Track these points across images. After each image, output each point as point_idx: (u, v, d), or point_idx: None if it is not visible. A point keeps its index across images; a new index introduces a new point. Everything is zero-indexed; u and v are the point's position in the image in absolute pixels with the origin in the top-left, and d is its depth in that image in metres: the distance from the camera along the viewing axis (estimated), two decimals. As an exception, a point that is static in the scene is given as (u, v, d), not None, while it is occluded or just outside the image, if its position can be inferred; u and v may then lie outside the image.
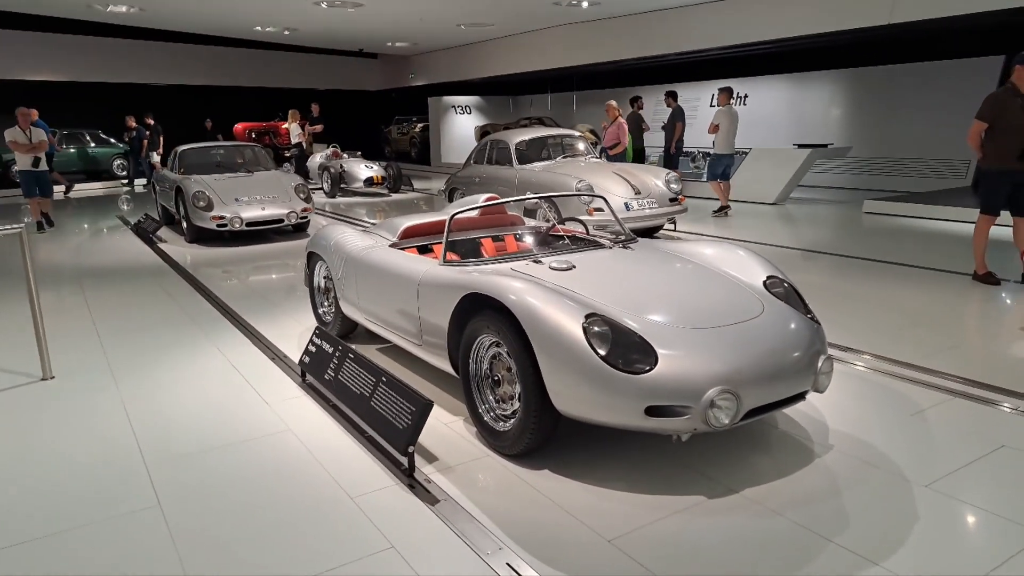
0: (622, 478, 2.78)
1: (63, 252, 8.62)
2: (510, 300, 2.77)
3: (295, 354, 4.46)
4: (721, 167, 10.11)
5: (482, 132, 20.12)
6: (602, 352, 2.53)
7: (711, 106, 15.82)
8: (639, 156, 11.65)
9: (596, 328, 2.59)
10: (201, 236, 8.88)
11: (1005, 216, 5.72)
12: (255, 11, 14.39)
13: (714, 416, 2.45)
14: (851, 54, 13.14)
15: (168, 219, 10.35)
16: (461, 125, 21.56)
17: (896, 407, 3.40)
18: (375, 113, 25.72)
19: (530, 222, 4.88)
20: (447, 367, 3.34)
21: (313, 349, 3.89)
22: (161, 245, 8.96)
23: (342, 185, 13.95)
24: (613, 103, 10.65)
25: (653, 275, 3.25)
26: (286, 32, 16.98)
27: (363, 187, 13.79)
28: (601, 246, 3.66)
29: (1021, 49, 5.85)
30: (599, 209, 7.39)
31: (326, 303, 4.88)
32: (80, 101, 19.54)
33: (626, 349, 2.55)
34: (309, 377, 3.90)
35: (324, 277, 4.87)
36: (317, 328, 3.96)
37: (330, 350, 3.72)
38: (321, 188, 14.24)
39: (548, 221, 6.50)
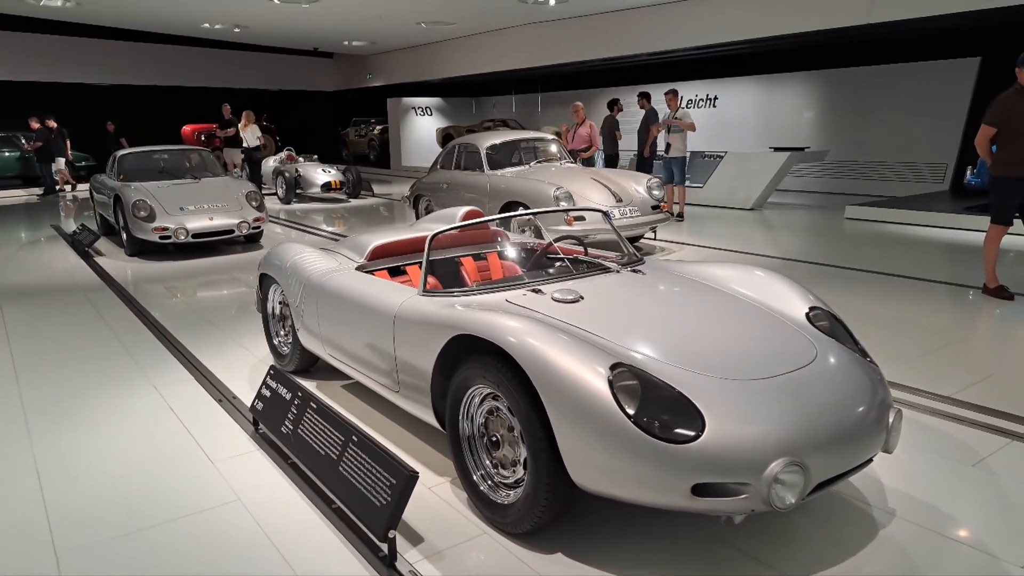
0: (653, 563, 2.28)
1: (-16, 268, 7.74)
2: (510, 344, 2.24)
3: (245, 394, 3.83)
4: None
5: (444, 135, 19.54)
6: (630, 411, 2.02)
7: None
8: (611, 163, 11.24)
9: (625, 382, 2.08)
10: (143, 249, 8.09)
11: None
12: (203, 7, 13.54)
13: (778, 495, 1.96)
14: (824, 55, 12.99)
15: (107, 230, 9.50)
16: (422, 127, 20.91)
17: (952, 456, 2.96)
18: (331, 115, 24.87)
19: (515, 237, 4.36)
20: (430, 419, 2.79)
21: (267, 393, 3.28)
22: (98, 259, 8.14)
23: (298, 191, 13.20)
24: (580, 104, 10.22)
25: (678, 308, 2.75)
26: (236, 29, 16.11)
27: (320, 192, 13.06)
28: (607, 270, 3.14)
29: (996, 50, 5.57)
30: (580, 219, 6.91)
31: (282, 332, 4.26)
32: (13, 101, 18.17)
33: (663, 409, 2.04)
34: (262, 427, 3.30)
35: (279, 303, 4.25)
36: (271, 368, 3.35)
37: (287, 396, 3.12)
38: (275, 194, 13.46)
39: (525, 232, 6.00)
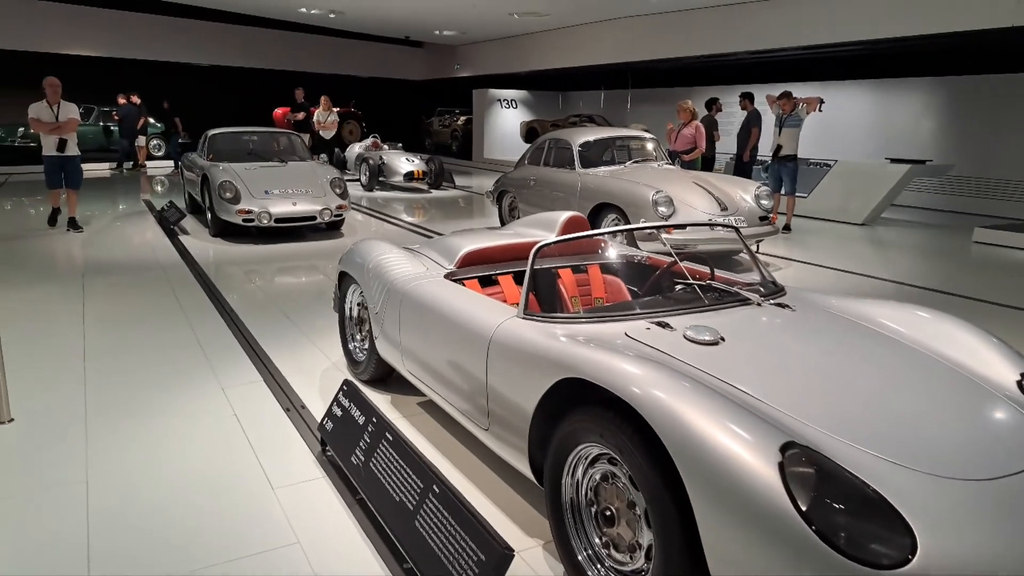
0: None
1: (74, 240, 7.83)
2: (641, 400, 1.76)
3: (315, 405, 3.51)
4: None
5: (528, 128, 19.13)
6: (803, 507, 1.51)
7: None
8: (707, 166, 10.52)
9: (798, 468, 1.57)
10: (226, 230, 8.03)
11: None
12: (300, -11, 13.56)
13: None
14: (950, 59, 11.80)
15: (195, 208, 9.55)
16: (506, 120, 20.55)
17: None
18: (417, 104, 24.86)
19: (618, 247, 3.86)
20: (524, 469, 2.35)
21: (338, 412, 2.92)
22: (182, 237, 8.14)
23: (380, 178, 13.06)
24: (689, 103, 9.52)
25: (850, 362, 2.18)
26: (332, 15, 16.15)
27: (403, 181, 12.88)
28: (745, 301, 2.59)
29: None
30: (679, 228, 6.32)
31: (358, 337, 3.92)
32: (102, 78, 18.77)
33: (853, 513, 1.52)
34: (330, 450, 2.94)
35: (358, 304, 3.90)
36: (345, 383, 2.99)
37: (360, 420, 2.74)
38: (357, 180, 13.37)
39: (624, 242, 5.48)
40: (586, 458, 2.05)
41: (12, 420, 3.29)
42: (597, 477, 2.04)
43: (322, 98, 13.05)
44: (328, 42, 21.51)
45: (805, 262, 7.44)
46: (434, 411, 3.46)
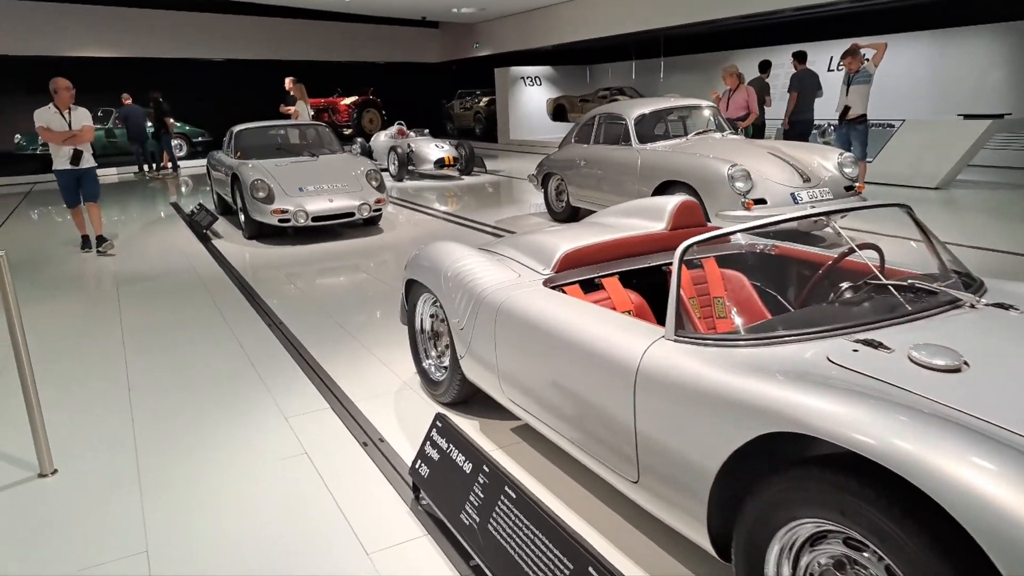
0: None
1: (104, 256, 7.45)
2: (915, 468, 1.24)
3: (395, 435, 3.04)
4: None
5: (556, 106, 18.47)
6: None
7: (829, 70, 13.73)
8: (758, 132, 9.83)
9: None
10: (260, 231, 7.60)
11: None
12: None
13: None
14: (1014, 4, 10.90)
15: (224, 208, 9.15)
16: (531, 98, 19.86)
17: None
18: (435, 87, 24.24)
19: (728, 227, 3.29)
20: (701, 540, 1.84)
21: (433, 454, 2.44)
22: (216, 242, 7.73)
23: (410, 167, 12.56)
24: (734, 67, 8.86)
25: None
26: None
27: (433, 169, 12.36)
28: (954, 302, 2.03)
29: None
30: (761, 201, 5.74)
31: (433, 353, 3.43)
32: (107, 78, 18.25)
33: None
34: (425, 498, 2.46)
35: (431, 316, 3.42)
36: (438, 419, 2.50)
37: (466, 467, 2.26)
38: (386, 170, 12.88)
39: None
40: (801, 537, 1.54)
41: (55, 472, 2.87)
42: (827, 559, 1.52)
43: (287, 80, 11.68)
44: (341, 28, 20.97)
45: (893, 235, 6.77)
46: (535, 438, 2.97)
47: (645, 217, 3.15)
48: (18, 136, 16.12)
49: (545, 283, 2.73)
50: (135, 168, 15.22)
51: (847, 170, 6.18)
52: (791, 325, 1.94)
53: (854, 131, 8.31)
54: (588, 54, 19.71)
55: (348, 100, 21.57)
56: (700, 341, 1.92)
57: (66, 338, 4.67)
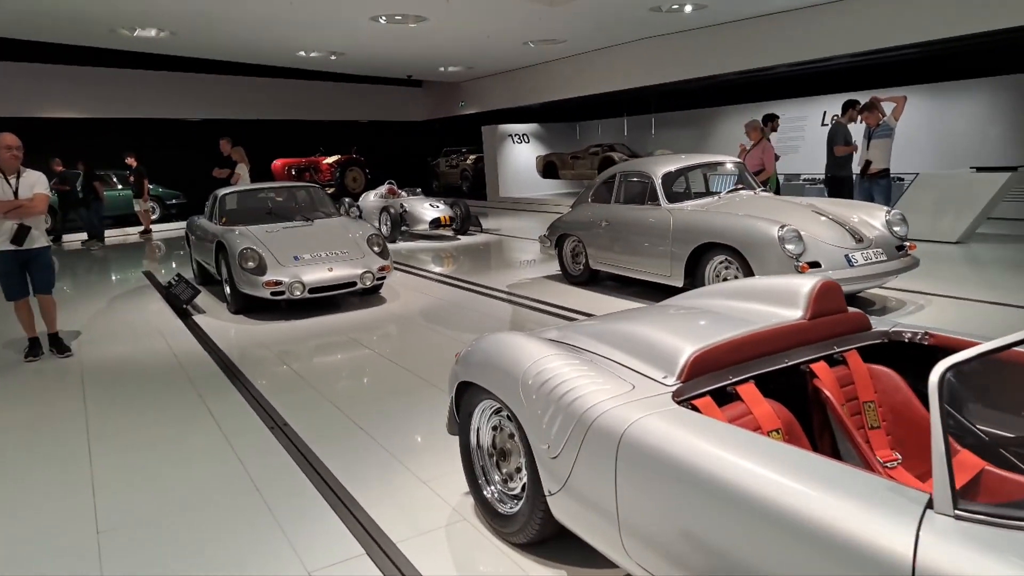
0: None
1: (64, 329, 6.62)
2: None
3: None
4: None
5: (545, 163, 18.20)
6: None
7: (823, 124, 13.62)
8: (774, 190, 9.41)
9: None
10: (248, 305, 6.84)
11: None
12: (303, 33, 12.62)
13: None
14: (1011, 58, 10.86)
15: (205, 278, 8.39)
16: (520, 155, 19.59)
17: None
18: (420, 145, 23.95)
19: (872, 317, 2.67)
20: None
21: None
22: (198, 318, 6.94)
23: (403, 227, 11.96)
24: (758, 122, 8.54)
25: None
26: (332, 57, 15.23)
27: (428, 229, 11.77)
28: None
29: None
30: (815, 265, 5.19)
31: (497, 476, 2.71)
32: (94, 138, 17.54)
33: None
34: None
35: (492, 428, 2.71)
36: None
37: None
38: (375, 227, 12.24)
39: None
40: None
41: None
42: None
43: (222, 142, 10.73)
44: (322, 87, 20.66)
45: (935, 294, 6.26)
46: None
47: (772, 302, 2.51)
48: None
49: (674, 397, 2.06)
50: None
51: (897, 228, 5.71)
52: None
53: (876, 186, 7.97)
54: (576, 111, 19.59)
55: (330, 159, 21.12)
56: (1002, 520, 1.25)
57: (12, 469, 3.83)
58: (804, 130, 13.95)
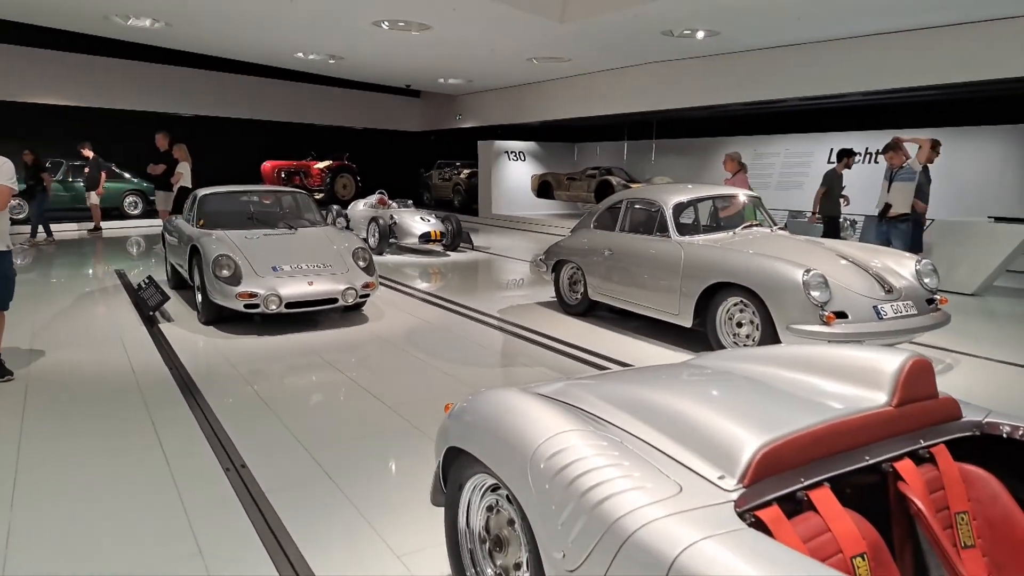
0: None
1: (18, 334, 6.04)
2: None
3: None
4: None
5: (540, 182, 17.82)
6: None
7: (828, 162, 13.34)
8: (835, 229, 9.02)
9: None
10: (221, 316, 6.31)
11: None
12: (303, 33, 12.16)
13: None
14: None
15: (179, 282, 7.84)
16: (515, 173, 19.19)
17: None
18: (413, 156, 23.50)
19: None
20: None
21: None
22: (165, 327, 6.39)
23: (392, 240, 11.47)
24: (738, 154, 8.55)
25: None
26: (331, 61, 14.77)
27: (418, 244, 11.29)
28: None
29: None
30: (841, 315, 4.76)
31: (490, 570, 2.21)
32: (83, 128, 16.80)
33: None
34: None
35: (487, 509, 2.22)
36: None
37: None
38: (365, 242, 11.73)
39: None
40: None
41: None
42: None
43: (158, 136, 10.28)
44: (318, 91, 20.16)
45: (959, 351, 5.85)
46: None
47: (849, 380, 2.03)
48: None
49: (736, 507, 1.58)
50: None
51: (927, 280, 5.30)
52: None
53: (895, 229, 7.60)
54: (575, 132, 19.27)
55: (322, 164, 20.62)
56: None
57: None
58: (810, 166, 13.67)
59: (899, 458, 1.89)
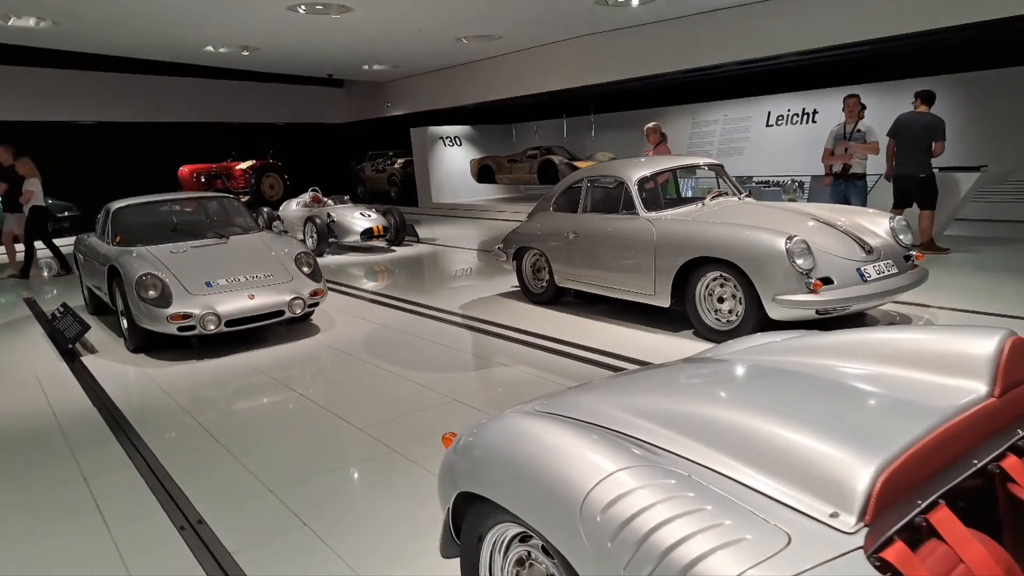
0: None
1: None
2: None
3: None
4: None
5: (480, 167, 17.31)
6: None
7: (768, 126, 13.38)
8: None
9: None
10: (150, 341, 5.64)
11: None
12: (210, 25, 11.26)
13: None
14: (956, 56, 10.82)
15: (98, 307, 7.07)
16: (453, 159, 18.63)
17: None
18: (341, 149, 22.57)
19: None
20: None
21: None
22: (87, 359, 5.68)
23: (331, 239, 10.82)
24: (659, 125, 8.69)
25: None
26: (244, 52, 13.82)
27: (360, 241, 10.68)
28: None
29: None
30: (827, 281, 4.54)
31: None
32: None
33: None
34: None
35: (516, 564, 1.82)
36: None
37: None
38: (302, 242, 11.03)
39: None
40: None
41: None
42: None
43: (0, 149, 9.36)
44: (233, 87, 19.05)
45: (934, 306, 5.78)
46: None
47: (936, 369, 1.71)
48: None
49: (865, 550, 1.23)
50: None
51: (902, 237, 5.15)
52: None
53: (853, 188, 7.54)
54: (512, 112, 18.80)
55: (244, 165, 19.52)
56: None
57: None
58: (749, 131, 13.66)
59: (1003, 456, 1.59)
